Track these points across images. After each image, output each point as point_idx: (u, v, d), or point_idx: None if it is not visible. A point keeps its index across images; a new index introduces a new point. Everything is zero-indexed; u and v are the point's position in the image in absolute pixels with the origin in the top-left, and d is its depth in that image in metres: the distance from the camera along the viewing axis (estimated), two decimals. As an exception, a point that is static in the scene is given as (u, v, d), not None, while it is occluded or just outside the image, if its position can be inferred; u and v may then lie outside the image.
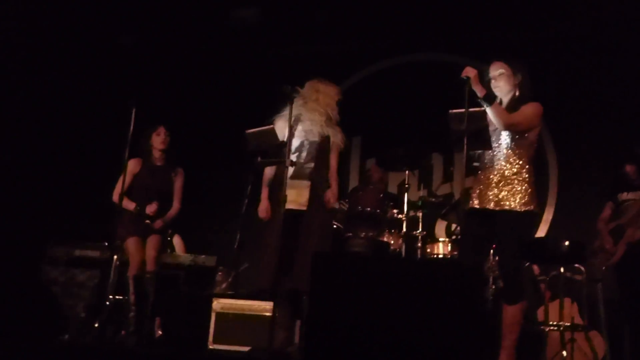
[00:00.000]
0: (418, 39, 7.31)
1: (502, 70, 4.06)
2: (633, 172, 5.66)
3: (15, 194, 6.11)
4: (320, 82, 4.75)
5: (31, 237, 5.98)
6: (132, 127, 4.80)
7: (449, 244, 5.54)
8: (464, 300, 3.09)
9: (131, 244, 5.09)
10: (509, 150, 4.01)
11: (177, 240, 6.49)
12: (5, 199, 5.55)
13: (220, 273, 5.86)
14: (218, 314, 4.86)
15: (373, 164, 6.85)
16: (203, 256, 5.81)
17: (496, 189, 3.98)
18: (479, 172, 4.16)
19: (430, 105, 6.12)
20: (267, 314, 4.62)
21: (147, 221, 5.14)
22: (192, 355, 4.40)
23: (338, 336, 3.08)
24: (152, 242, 5.16)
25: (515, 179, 3.95)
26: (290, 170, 4.39)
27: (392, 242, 5.49)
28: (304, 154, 4.61)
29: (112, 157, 5.21)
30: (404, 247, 5.38)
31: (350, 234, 5.40)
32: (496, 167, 4.02)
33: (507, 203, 3.92)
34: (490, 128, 4.08)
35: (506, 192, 3.94)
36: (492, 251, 4.88)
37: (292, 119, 4.44)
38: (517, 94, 4.05)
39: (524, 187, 3.94)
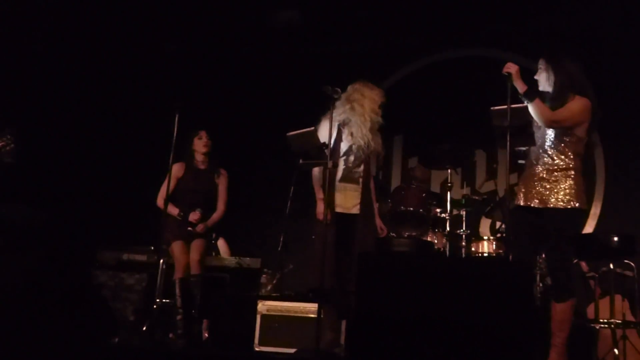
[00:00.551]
0: (459, 35, 7.24)
1: (540, 66, 4.02)
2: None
3: (67, 202, 6.25)
4: (365, 85, 4.74)
5: (82, 243, 6.10)
6: (175, 132, 4.87)
7: (494, 242, 5.46)
8: (513, 298, 3.07)
9: (176, 247, 5.17)
10: (554, 147, 3.93)
11: (221, 243, 6.54)
12: (57, 207, 5.68)
13: (265, 275, 5.90)
14: (263, 316, 4.91)
15: (417, 163, 6.81)
16: (248, 258, 5.84)
17: (540, 186, 3.91)
18: (524, 168, 4.10)
19: (472, 102, 6.08)
20: (312, 315, 4.61)
21: (190, 228, 5.20)
22: (238, 357, 4.43)
23: (383, 335, 3.10)
24: (195, 245, 5.22)
25: (560, 175, 3.88)
26: (339, 173, 4.41)
27: (435, 241, 5.45)
28: (351, 158, 4.63)
29: (157, 162, 5.30)
30: (447, 246, 5.36)
31: (394, 234, 5.38)
32: (541, 163, 3.96)
33: (552, 200, 3.86)
34: (535, 124, 4.02)
35: (551, 189, 3.88)
36: (539, 249, 4.81)
37: (339, 122, 4.49)
38: (559, 88, 3.94)
39: (569, 184, 3.86)
